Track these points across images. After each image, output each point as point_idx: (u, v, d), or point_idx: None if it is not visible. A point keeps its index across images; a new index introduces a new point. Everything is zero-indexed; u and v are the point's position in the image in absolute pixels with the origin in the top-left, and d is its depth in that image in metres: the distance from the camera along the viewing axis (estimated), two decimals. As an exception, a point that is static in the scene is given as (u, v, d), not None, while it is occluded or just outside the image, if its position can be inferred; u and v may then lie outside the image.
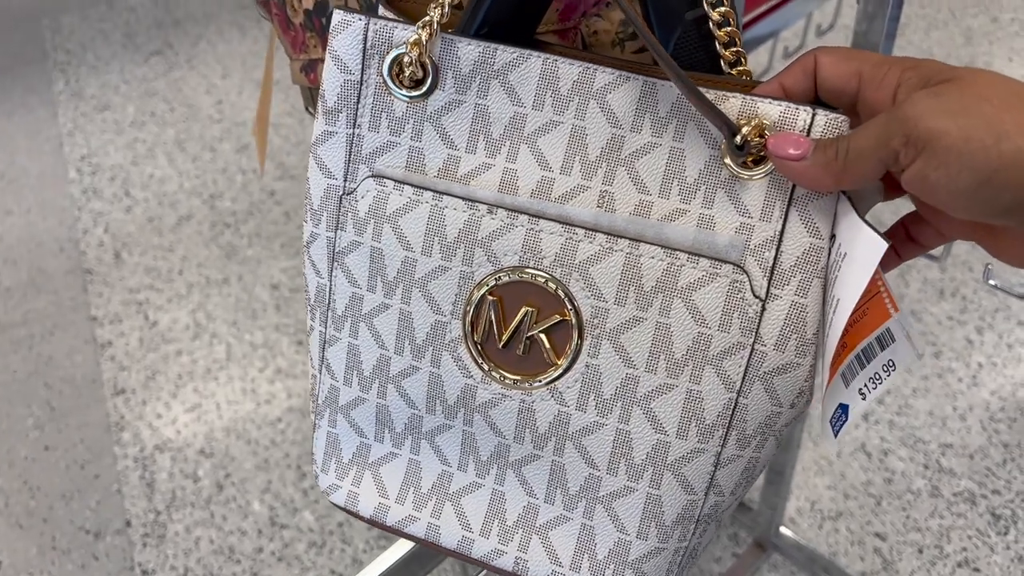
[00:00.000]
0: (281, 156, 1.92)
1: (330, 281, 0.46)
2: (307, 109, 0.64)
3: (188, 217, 1.79)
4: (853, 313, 0.40)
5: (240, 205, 1.81)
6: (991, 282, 0.68)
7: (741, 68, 0.44)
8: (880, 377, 0.42)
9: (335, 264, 0.45)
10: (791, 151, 0.37)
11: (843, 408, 0.42)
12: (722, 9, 0.42)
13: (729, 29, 0.43)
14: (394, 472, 0.48)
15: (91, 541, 1.26)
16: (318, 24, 0.55)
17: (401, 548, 0.67)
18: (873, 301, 0.41)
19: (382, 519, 0.49)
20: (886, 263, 0.43)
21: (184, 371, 1.49)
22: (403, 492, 0.48)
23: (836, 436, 0.42)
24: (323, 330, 0.47)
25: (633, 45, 0.52)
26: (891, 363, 0.42)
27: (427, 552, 0.67)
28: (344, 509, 0.50)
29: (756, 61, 1.58)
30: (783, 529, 1.19)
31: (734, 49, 0.43)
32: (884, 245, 0.36)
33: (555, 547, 0.45)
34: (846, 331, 0.41)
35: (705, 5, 0.42)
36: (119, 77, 2.22)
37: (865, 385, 0.42)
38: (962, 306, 1.50)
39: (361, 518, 0.50)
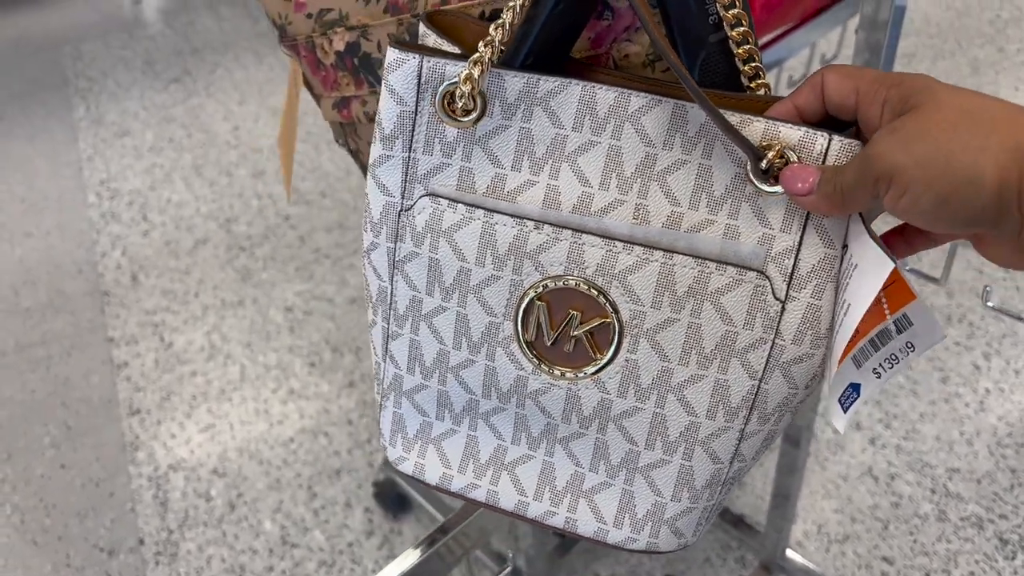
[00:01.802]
0: (296, 182, 1.96)
1: (391, 284, 0.51)
2: (337, 142, 0.66)
3: (204, 241, 1.82)
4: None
5: (255, 229, 1.84)
6: (989, 303, 0.70)
7: (760, 82, 0.48)
8: (897, 358, 0.45)
9: (395, 270, 0.50)
10: (799, 186, 0.41)
11: (854, 387, 0.45)
12: (741, 29, 0.46)
13: (748, 47, 0.47)
14: (454, 446, 0.54)
15: (105, 559, 1.28)
16: (350, 64, 0.58)
17: (403, 563, 0.68)
18: (891, 289, 0.43)
19: (447, 486, 0.55)
20: (900, 253, 0.45)
21: (198, 392, 1.51)
22: (464, 463, 0.54)
23: (845, 412, 0.45)
24: (386, 326, 0.52)
25: (663, 64, 0.54)
26: (910, 345, 0.44)
27: (431, 568, 0.69)
28: (412, 477, 0.56)
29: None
30: (790, 552, 1.19)
31: (752, 65, 0.47)
32: (891, 265, 0.40)
33: (600, 508, 0.52)
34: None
35: (726, 26, 0.46)
36: (138, 104, 2.26)
37: (880, 365, 0.45)
38: (969, 332, 1.51)
39: (428, 485, 0.56)
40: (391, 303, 0.51)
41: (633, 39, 0.54)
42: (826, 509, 1.28)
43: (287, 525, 1.30)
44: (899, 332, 0.44)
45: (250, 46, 2.48)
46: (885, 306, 0.44)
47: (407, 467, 0.56)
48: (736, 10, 0.45)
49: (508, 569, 0.74)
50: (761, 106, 0.45)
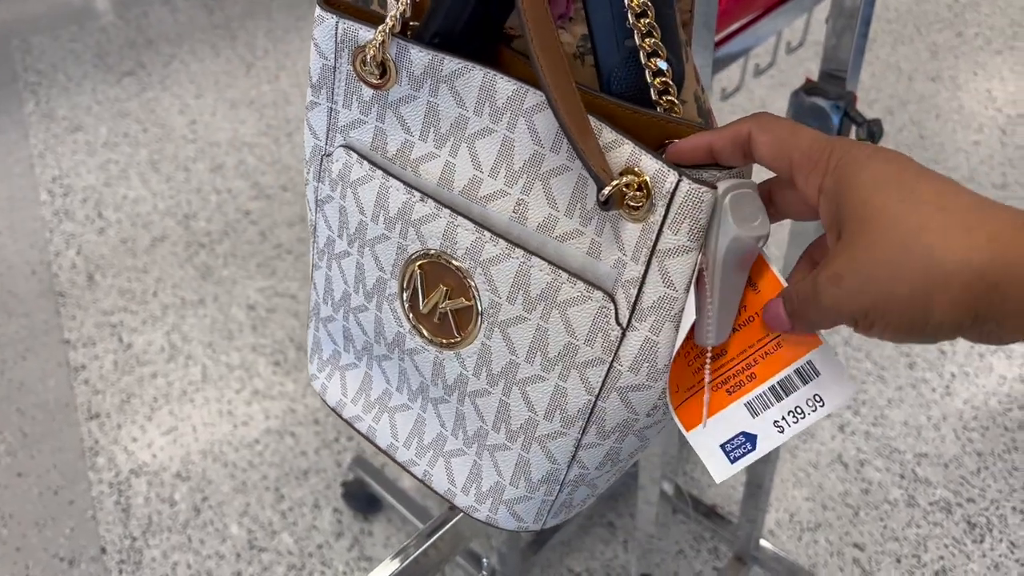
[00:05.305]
0: (256, 176, 1.92)
1: (315, 219, 0.55)
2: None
3: (162, 238, 1.78)
4: (767, 344, 0.42)
5: (215, 225, 1.80)
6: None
7: (668, 98, 0.45)
8: (803, 412, 0.42)
9: (318, 208, 0.54)
10: (783, 327, 0.41)
11: (748, 437, 0.43)
12: (651, 40, 0.44)
13: (656, 59, 0.44)
14: (354, 379, 0.59)
15: (66, 569, 1.24)
16: None
17: (384, 570, 0.67)
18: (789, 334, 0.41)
19: (340, 411, 0.60)
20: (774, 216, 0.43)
21: (159, 394, 1.47)
22: (357, 396, 0.59)
23: (733, 462, 0.43)
24: (312, 255, 0.57)
25: (592, 59, 0.52)
26: (818, 398, 0.41)
27: (413, 574, 0.67)
28: (319, 395, 0.61)
29: (728, 79, 1.60)
30: (763, 542, 1.19)
31: (661, 80, 0.44)
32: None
33: (453, 472, 0.55)
34: (756, 361, 0.42)
35: (636, 35, 0.43)
36: (91, 98, 2.21)
37: (783, 418, 0.42)
38: (934, 317, 1.53)
39: (328, 406, 0.61)
40: (314, 236, 0.55)
41: (567, 27, 0.52)
42: (797, 497, 1.28)
43: (254, 528, 1.28)
44: (804, 382, 0.42)
45: (206, 38, 2.42)
46: (781, 348, 0.42)
47: (317, 385, 0.61)
48: (648, 20, 0.43)
49: (483, 574, 0.73)
50: (672, 128, 0.43)
